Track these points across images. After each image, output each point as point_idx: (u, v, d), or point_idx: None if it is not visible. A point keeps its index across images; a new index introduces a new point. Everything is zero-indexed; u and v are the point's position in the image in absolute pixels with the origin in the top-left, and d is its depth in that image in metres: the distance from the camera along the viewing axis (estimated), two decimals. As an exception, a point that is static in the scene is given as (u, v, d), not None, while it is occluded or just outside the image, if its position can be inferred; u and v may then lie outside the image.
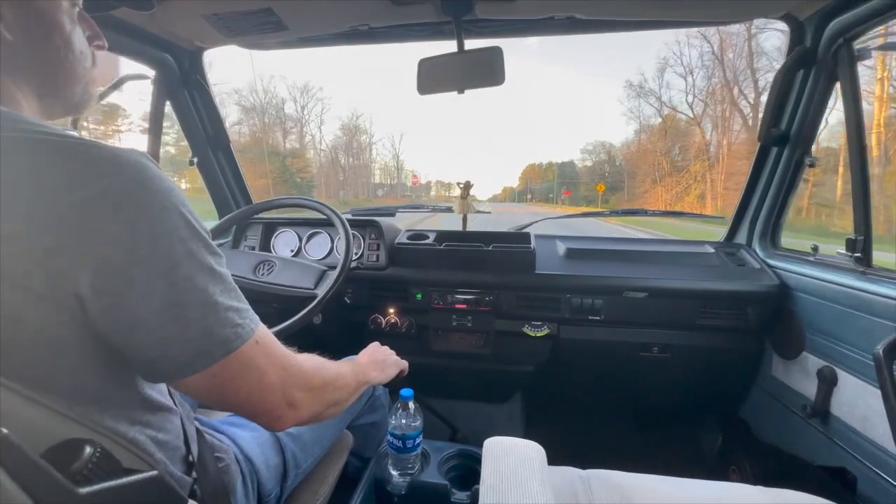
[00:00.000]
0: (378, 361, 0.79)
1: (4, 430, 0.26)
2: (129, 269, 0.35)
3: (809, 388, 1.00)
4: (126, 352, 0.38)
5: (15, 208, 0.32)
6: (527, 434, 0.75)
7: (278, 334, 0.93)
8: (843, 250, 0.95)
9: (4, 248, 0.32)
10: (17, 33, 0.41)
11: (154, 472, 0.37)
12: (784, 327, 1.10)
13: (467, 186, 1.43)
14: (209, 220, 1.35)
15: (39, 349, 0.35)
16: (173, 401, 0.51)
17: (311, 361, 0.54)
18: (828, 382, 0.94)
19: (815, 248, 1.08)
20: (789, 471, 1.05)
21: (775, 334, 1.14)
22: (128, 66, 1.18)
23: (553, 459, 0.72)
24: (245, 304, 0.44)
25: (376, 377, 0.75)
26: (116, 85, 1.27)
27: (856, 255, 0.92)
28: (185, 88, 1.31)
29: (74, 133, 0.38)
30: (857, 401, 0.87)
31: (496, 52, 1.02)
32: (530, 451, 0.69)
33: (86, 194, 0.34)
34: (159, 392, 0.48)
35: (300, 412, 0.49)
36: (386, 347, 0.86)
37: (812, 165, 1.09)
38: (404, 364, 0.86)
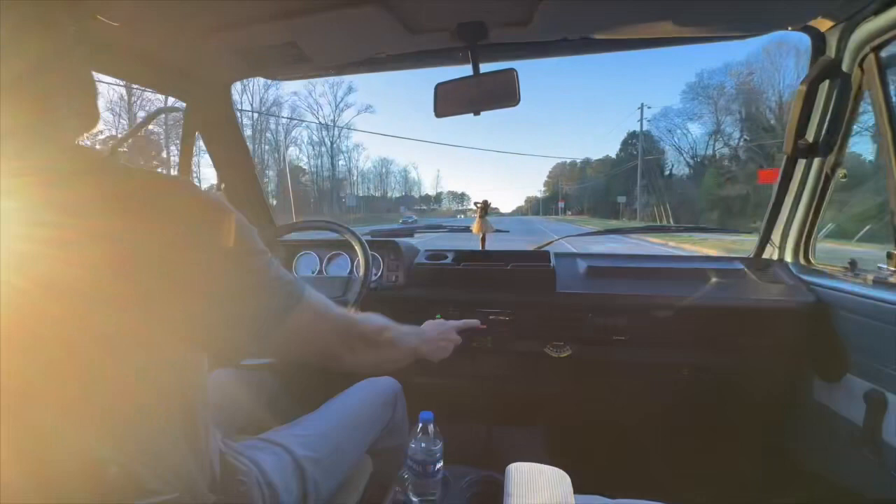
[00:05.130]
0: (434, 340, 0.84)
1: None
2: (227, 277, 0.46)
3: (856, 413, 0.93)
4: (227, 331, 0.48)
5: (116, 236, 0.38)
6: (551, 460, 0.72)
7: None
8: (884, 265, 0.90)
9: (94, 273, 0.36)
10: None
11: (175, 496, 0.37)
12: (824, 347, 1.04)
13: (485, 206, 1.43)
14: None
15: (77, 373, 0.36)
16: (204, 425, 0.51)
17: (372, 318, 0.69)
18: (877, 407, 0.87)
19: (854, 263, 1.02)
20: (839, 503, 0.97)
21: (815, 355, 1.08)
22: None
23: (579, 487, 0.69)
24: (293, 275, 0.56)
25: (427, 353, 0.82)
26: (152, 116, 1.36)
27: None
28: (214, 119, 1.38)
29: (165, 172, 0.42)
30: None
31: (511, 75, 1.04)
32: (555, 479, 0.66)
33: (179, 227, 0.42)
34: (192, 416, 0.49)
35: (358, 357, 0.62)
36: (449, 326, 0.90)
37: (844, 177, 1.05)
38: (458, 339, 0.90)
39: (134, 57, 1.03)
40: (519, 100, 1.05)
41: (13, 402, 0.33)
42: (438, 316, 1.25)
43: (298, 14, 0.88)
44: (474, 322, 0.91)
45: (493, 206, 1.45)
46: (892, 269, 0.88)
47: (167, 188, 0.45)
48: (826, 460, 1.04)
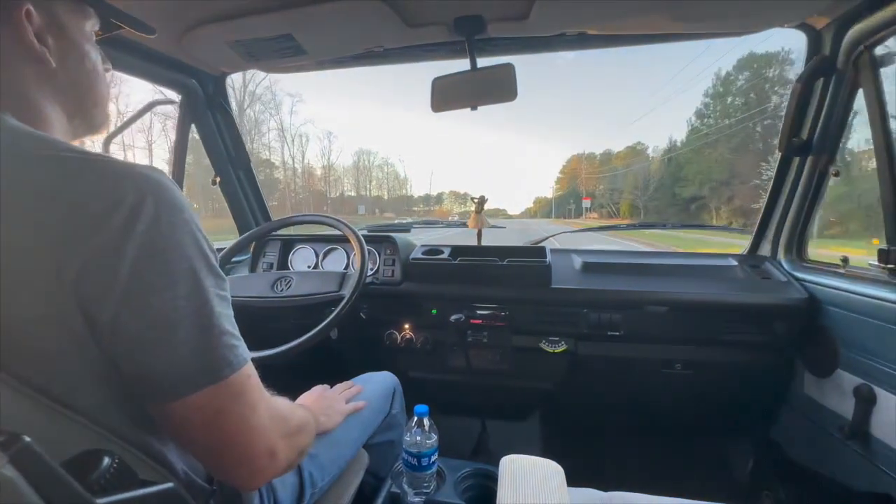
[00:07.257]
0: (323, 408, 0.76)
1: (27, 439, 0.27)
2: (129, 283, 0.35)
3: (845, 408, 0.94)
4: (121, 368, 0.37)
5: (36, 222, 0.34)
6: (545, 453, 0.73)
7: (298, 347, 0.94)
8: (874, 261, 0.91)
9: (24, 264, 0.33)
10: (58, 60, 0.45)
11: (170, 485, 0.37)
12: (815, 343, 1.05)
13: (481, 201, 1.43)
14: (230, 238, 1.39)
15: (63, 364, 0.36)
16: None
17: (285, 403, 0.52)
18: (866, 401, 0.89)
19: (846, 260, 1.03)
20: (828, 497, 0.99)
21: (806, 350, 1.09)
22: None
23: (573, 480, 0.69)
24: (239, 334, 0.42)
25: (325, 423, 0.74)
26: (146, 109, 1.34)
27: (889, 266, 0.88)
28: (209, 111, 1.37)
29: (97, 151, 0.40)
30: None
31: (508, 69, 1.03)
32: (549, 471, 0.67)
33: (98, 208, 0.34)
34: None
35: (278, 463, 0.44)
36: (334, 392, 0.83)
37: (837, 174, 1.06)
38: (355, 406, 0.83)
39: (128, 48, 1.02)
40: (516, 95, 1.05)
41: None
42: (434, 311, 1.26)
43: (295, 6, 0.88)
44: (355, 406, 0.83)
45: (500, 207, 1.43)
46: (882, 265, 0.90)
47: (76, 171, 0.35)
48: (815, 454, 1.06)
